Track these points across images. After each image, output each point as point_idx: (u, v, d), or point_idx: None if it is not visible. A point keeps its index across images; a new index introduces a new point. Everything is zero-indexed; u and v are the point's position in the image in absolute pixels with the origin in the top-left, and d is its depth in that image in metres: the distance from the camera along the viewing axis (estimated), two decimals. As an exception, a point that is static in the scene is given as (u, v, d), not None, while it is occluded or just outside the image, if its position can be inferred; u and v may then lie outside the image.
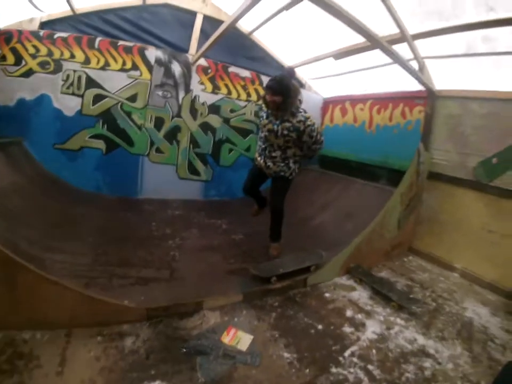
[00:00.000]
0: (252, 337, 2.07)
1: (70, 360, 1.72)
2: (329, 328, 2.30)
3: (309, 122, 2.90)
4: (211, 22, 5.11)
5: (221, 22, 4.41)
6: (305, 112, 2.98)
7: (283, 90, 2.80)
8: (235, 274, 2.84)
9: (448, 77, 3.99)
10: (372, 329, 2.35)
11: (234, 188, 5.61)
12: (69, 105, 4.57)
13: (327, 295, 2.78)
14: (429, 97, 4.19)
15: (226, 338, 2.02)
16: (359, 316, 2.50)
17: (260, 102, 3.63)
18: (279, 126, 2.94)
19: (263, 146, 3.19)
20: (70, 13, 4.48)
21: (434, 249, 3.91)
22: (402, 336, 2.30)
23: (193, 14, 5.13)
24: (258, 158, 3.27)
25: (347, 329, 2.32)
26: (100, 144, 4.78)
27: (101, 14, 4.69)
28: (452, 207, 3.85)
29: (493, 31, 2.97)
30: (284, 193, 3.26)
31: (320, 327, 2.30)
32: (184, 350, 1.89)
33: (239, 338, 2.03)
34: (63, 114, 4.55)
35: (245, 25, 5.21)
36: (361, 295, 2.84)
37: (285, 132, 2.94)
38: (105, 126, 4.77)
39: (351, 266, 3.17)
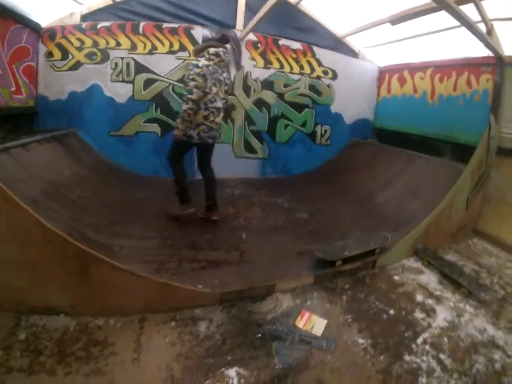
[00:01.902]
0: (325, 321, 2.11)
1: (145, 346, 1.78)
2: (401, 313, 2.30)
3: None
4: (255, -6, 4.92)
5: (265, -7, 4.27)
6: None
7: None
8: (304, 255, 2.85)
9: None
10: (443, 316, 2.31)
11: (291, 164, 5.67)
12: (120, 92, 4.73)
13: (396, 277, 2.76)
14: (498, 64, 3.85)
15: (301, 323, 2.08)
16: (429, 301, 2.47)
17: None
18: None
19: None
20: (109, 2, 4.57)
21: (500, 231, 3.67)
22: (472, 325, 2.24)
23: (236, -13, 4.96)
24: None
25: (418, 315, 2.30)
26: (155, 128, 4.95)
27: None
28: (522, 186, 3.59)
29: None
30: None
31: (391, 311, 2.30)
32: (260, 335, 1.94)
33: (313, 323, 2.08)
34: (115, 101, 4.73)
35: (292, -6, 4.94)
36: (430, 278, 2.79)
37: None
38: (159, 109, 4.91)
39: (418, 247, 3.10)
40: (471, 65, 4.31)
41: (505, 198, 3.74)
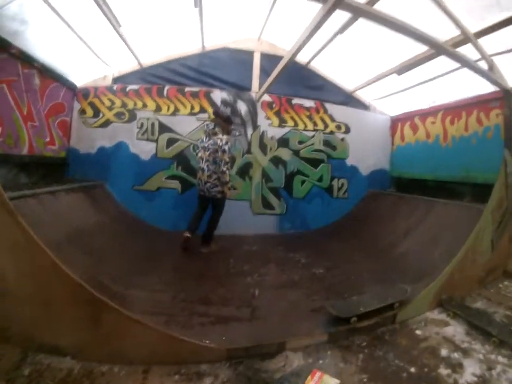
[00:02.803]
0: (338, 382, 1.95)
1: None
2: (423, 370, 2.10)
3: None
4: (268, 58, 5.43)
5: (277, 57, 4.61)
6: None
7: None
8: (318, 312, 2.73)
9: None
10: (471, 370, 2.09)
11: (309, 219, 5.68)
12: (145, 149, 5.13)
13: (418, 332, 2.56)
14: (505, 97, 3.85)
15: (311, 383, 1.95)
16: (456, 355, 2.25)
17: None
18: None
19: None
20: (138, 67, 5.15)
21: (532, 271, 3.41)
22: (505, 378, 2.01)
23: (250, 54, 5.50)
24: None
25: (443, 371, 2.09)
26: (176, 184, 5.21)
27: (165, 65, 5.29)
28: (549, 218, 3.37)
29: None
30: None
31: (412, 369, 2.11)
32: (267, 395, 1.83)
33: (324, 383, 1.95)
34: (140, 158, 5.11)
35: (302, 56, 5.27)
36: (456, 330, 2.57)
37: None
38: (180, 167, 5.22)
39: (442, 298, 2.90)
40: (479, 103, 4.34)
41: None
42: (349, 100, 6.09)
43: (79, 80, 4.89)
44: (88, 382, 1.79)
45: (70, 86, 4.74)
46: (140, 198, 5.08)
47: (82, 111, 4.93)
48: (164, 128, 5.16)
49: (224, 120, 4.20)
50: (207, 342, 2.15)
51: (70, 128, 4.87)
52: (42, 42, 3.72)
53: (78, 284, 1.89)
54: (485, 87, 4.07)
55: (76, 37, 3.88)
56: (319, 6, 2.62)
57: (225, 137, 4.11)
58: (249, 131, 5.48)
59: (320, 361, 2.17)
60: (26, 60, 3.69)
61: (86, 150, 4.94)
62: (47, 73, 4.11)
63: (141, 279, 3.14)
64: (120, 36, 3.98)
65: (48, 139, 4.28)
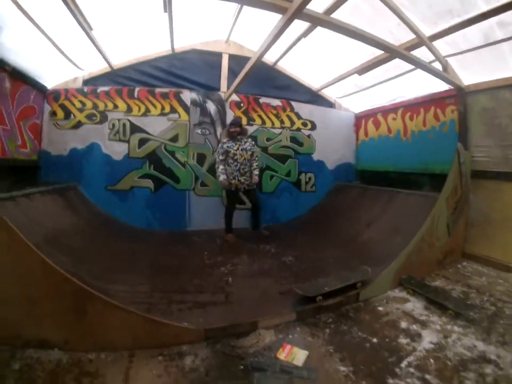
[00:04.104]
0: (306, 352, 2.12)
1: (134, 378, 1.84)
2: (384, 340, 2.30)
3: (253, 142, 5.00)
4: (236, 59, 5.57)
5: (245, 58, 4.76)
6: None
7: (240, 124, 4.77)
8: (287, 294, 2.90)
9: (473, 71, 3.97)
10: (429, 339, 2.31)
11: (278, 213, 5.85)
12: (117, 150, 5.13)
13: (380, 308, 2.77)
14: (459, 95, 4.18)
15: (282, 355, 2.09)
16: (414, 327, 2.47)
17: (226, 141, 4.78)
18: (245, 145, 4.68)
19: (236, 168, 4.62)
20: (108, 69, 5.14)
21: (489, 251, 3.74)
22: (460, 344, 2.24)
23: (218, 55, 5.63)
24: (233, 181, 4.63)
25: (402, 340, 2.30)
26: (148, 183, 5.24)
27: (136, 67, 5.32)
28: (502, 204, 3.72)
29: (507, 16, 2.98)
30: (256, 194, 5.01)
31: (374, 340, 2.30)
32: (242, 367, 1.98)
33: (294, 354, 2.10)
34: (112, 158, 5.11)
35: (269, 56, 5.44)
36: (415, 306, 2.80)
37: (249, 147, 4.71)
38: (152, 166, 5.25)
39: (402, 278, 3.14)
40: (436, 100, 4.66)
41: (488, 219, 3.85)
42: (314, 98, 6.31)
43: (50, 83, 4.83)
44: (77, 370, 1.86)
45: (40, 89, 4.66)
46: (114, 198, 5.07)
47: (53, 113, 4.86)
48: (135, 129, 5.18)
49: (241, 127, 4.78)
50: (185, 324, 2.27)
51: (41, 130, 4.79)
52: (13, 45, 3.65)
53: (63, 277, 1.95)
54: (441, 85, 4.36)
55: (47, 39, 3.84)
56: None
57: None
58: (219, 130, 5.57)
59: (290, 337, 2.33)
60: (-3, 63, 3.63)
61: (58, 152, 4.87)
62: (18, 76, 4.04)
63: (119, 275, 3.19)
64: (92, 39, 3.97)
65: (20, 142, 4.21)
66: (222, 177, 4.62)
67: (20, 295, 1.96)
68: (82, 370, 1.86)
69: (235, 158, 4.60)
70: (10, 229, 1.89)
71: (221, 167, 4.65)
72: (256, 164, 4.85)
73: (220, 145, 4.79)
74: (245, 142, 4.70)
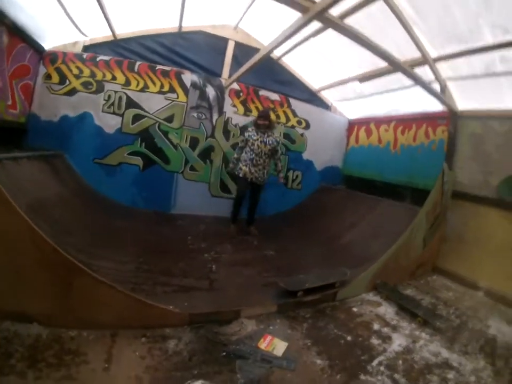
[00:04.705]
0: (286, 344, 2.23)
1: (116, 358, 1.83)
2: (358, 339, 2.44)
3: (280, 139, 4.80)
4: (241, 48, 5.58)
5: (250, 47, 4.80)
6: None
7: (269, 117, 4.64)
8: (269, 286, 3.00)
9: (469, 97, 4.15)
10: (398, 342, 2.46)
11: (263, 206, 5.80)
12: (110, 123, 5.01)
13: (355, 309, 2.92)
14: (451, 117, 4.36)
15: (263, 345, 2.19)
16: (386, 330, 2.62)
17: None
18: (267, 138, 4.57)
19: (250, 157, 4.55)
20: (111, 38, 4.99)
21: (458, 268, 3.95)
22: (427, 349, 2.40)
23: (225, 41, 5.59)
24: (243, 168, 4.59)
25: (374, 341, 2.44)
26: (138, 161, 5.18)
27: (139, 40, 5.19)
28: (476, 225, 3.94)
29: (510, 52, 3.16)
30: (261, 192, 4.88)
31: (349, 338, 2.44)
32: (224, 353, 2.04)
33: (274, 345, 2.20)
34: (104, 131, 4.99)
35: (274, 50, 5.50)
36: (387, 310, 2.96)
37: (271, 142, 4.57)
38: (143, 144, 5.18)
39: (377, 282, 3.29)
40: (429, 118, 4.82)
41: (461, 237, 4.06)
42: (312, 98, 6.38)
43: (48, 43, 4.62)
44: (58, 346, 1.83)
45: (37, 48, 4.45)
46: (100, 171, 4.98)
47: (48, 76, 4.68)
48: (131, 103, 5.08)
49: (270, 121, 4.72)
50: (171, 307, 2.29)
51: (33, 92, 4.59)
52: None
53: (53, 248, 1.90)
54: (436, 105, 4.51)
55: None
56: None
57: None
58: (215, 116, 5.56)
59: (271, 327, 2.42)
60: (-3, 15, 3.45)
61: (47, 117, 4.71)
62: (16, 32, 3.85)
63: (104, 250, 3.18)
64: (101, 4, 3.85)
65: (10, 102, 4.02)
66: (232, 160, 4.84)
67: (4, 264, 1.87)
68: (63, 347, 1.83)
69: (252, 148, 4.54)
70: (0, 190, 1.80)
71: (237, 152, 4.77)
72: (281, 163, 4.86)
73: (244, 132, 4.81)
74: (268, 136, 4.61)
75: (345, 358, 2.19)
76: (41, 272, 1.93)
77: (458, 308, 3.20)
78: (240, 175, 4.62)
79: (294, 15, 2.85)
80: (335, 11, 3.30)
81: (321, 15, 2.60)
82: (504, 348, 2.56)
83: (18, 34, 3.93)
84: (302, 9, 2.63)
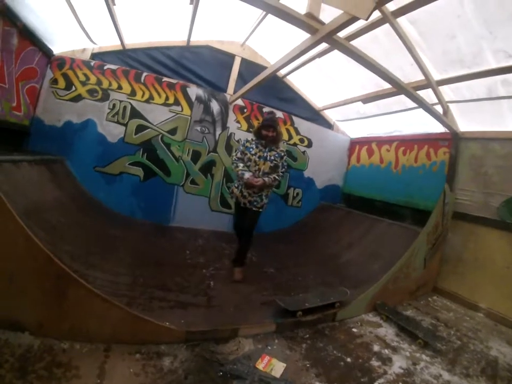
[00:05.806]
0: (284, 365, 2.18)
1: (109, 374, 1.77)
2: (358, 361, 2.40)
3: (285, 154, 3.69)
4: (248, 65, 5.66)
5: (256, 64, 4.82)
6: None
7: (277, 127, 3.60)
8: (268, 305, 2.96)
9: (471, 119, 4.21)
10: (398, 364, 2.43)
11: (262, 223, 5.72)
12: (113, 132, 5.04)
13: (354, 330, 2.88)
14: (453, 139, 4.41)
15: (261, 365, 2.14)
16: (386, 351, 2.59)
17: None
18: (268, 153, 3.54)
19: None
20: (120, 47, 5.06)
21: (458, 288, 3.96)
22: (427, 372, 2.37)
23: (232, 57, 5.67)
24: (235, 190, 3.63)
25: (374, 363, 2.40)
26: (138, 172, 5.18)
27: (147, 51, 5.27)
28: (476, 246, 3.95)
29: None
30: (256, 223, 3.69)
31: (348, 359, 2.39)
32: (221, 373, 1.99)
33: (272, 366, 2.15)
34: (106, 140, 5.01)
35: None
36: (387, 331, 2.93)
37: (272, 158, 3.54)
38: (145, 155, 5.19)
39: (377, 303, 3.26)
40: (431, 140, 4.87)
41: (461, 258, 4.06)
42: (315, 116, 6.45)
43: (57, 48, 4.67)
44: (49, 358, 1.78)
45: (46, 52, 4.49)
46: (101, 180, 4.97)
47: (54, 81, 4.73)
48: (135, 114, 5.11)
49: (278, 133, 3.65)
50: (167, 323, 2.25)
51: (39, 96, 4.62)
52: (30, 1, 3.51)
53: (47, 257, 1.87)
54: (438, 127, 4.57)
55: (67, 4, 3.71)
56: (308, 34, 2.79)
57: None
58: (218, 131, 5.60)
59: (269, 347, 2.38)
60: (10, 16, 3.46)
61: (51, 122, 4.73)
62: (27, 34, 3.89)
63: (100, 261, 3.13)
64: (112, 14, 3.90)
65: (14, 104, 4.03)
66: (246, 175, 3.43)
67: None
68: (55, 360, 1.78)
69: (248, 164, 3.51)
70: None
71: (241, 165, 3.52)
72: (279, 179, 3.65)
73: (242, 142, 3.74)
74: (270, 150, 3.55)
75: (345, 380, 2.15)
76: (35, 281, 1.90)
77: (459, 329, 3.19)
78: (233, 199, 3.75)
79: (301, 35, 2.89)
80: (341, 33, 3.37)
81: (330, 37, 2.63)
82: (505, 369, 2.54)
83: (29, 36, 3.98)
84: (311, 30, 2.66)
